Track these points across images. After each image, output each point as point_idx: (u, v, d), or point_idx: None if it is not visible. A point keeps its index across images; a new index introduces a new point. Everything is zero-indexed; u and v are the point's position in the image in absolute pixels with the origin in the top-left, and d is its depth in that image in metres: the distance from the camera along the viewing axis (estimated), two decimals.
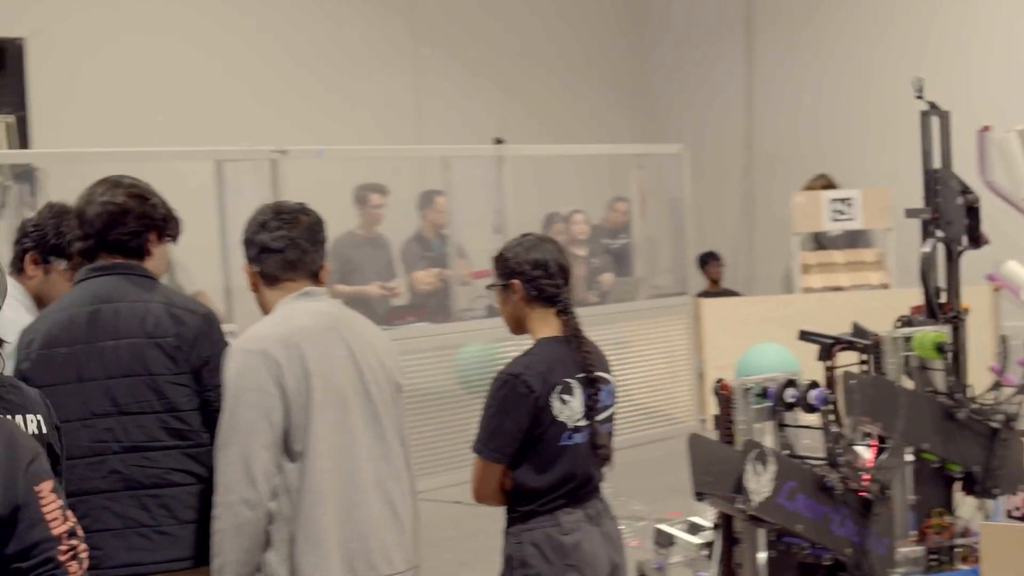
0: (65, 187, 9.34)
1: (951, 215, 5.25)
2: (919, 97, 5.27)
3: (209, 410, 3.90)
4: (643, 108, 13.83)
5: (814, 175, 12.15)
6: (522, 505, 4.08)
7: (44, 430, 3.06)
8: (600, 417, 4.15)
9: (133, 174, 4.11)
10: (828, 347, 4.70)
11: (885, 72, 12.20)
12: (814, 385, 4.27)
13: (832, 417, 4.24)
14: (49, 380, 3.84)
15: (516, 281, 4.14)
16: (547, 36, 13.10)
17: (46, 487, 2.61)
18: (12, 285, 4.23)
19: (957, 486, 4.99)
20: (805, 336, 4.85)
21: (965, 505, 5.04)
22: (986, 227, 5.23)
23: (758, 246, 13.39)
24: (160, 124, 9.78)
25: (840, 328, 4.96)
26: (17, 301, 4.34)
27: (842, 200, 11.27)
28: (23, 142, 9.56)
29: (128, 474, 3.86)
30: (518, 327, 4.22)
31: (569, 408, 4.08)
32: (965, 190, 5.25)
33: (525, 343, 4.22)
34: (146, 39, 10.28)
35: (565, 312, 4.16)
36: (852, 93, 12.61)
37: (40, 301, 4.45)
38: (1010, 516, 4.97)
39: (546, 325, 4.16)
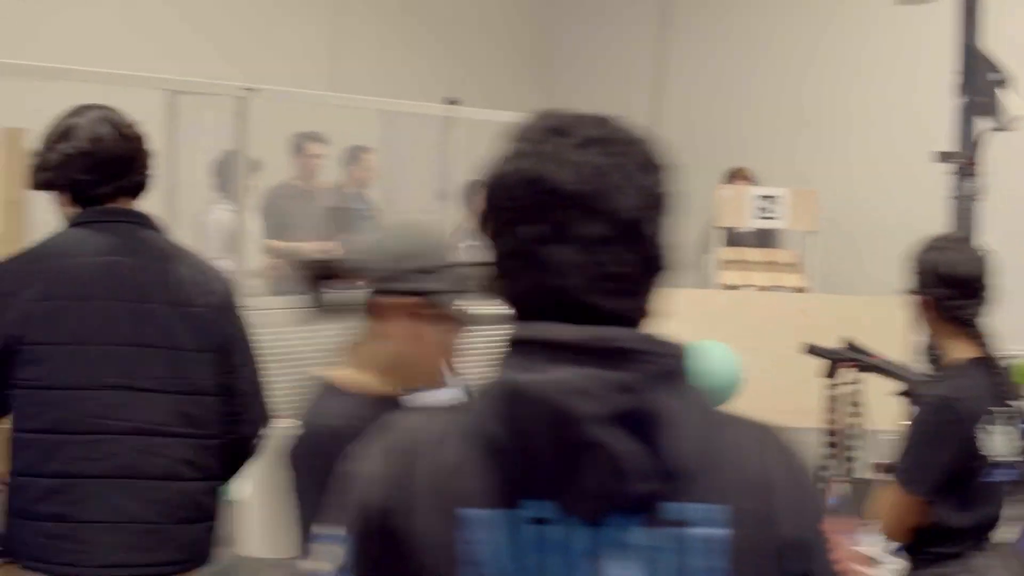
0: None
1: None
2: None
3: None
4: (543, 81, 13.17)
5: (731, 168, 11.71)
6: (935, 546, 3.74)
7: None
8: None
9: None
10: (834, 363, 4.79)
11: (811, 65, 11.84)
12: None
13: None
14: (42, 337, 3.31)
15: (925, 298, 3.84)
16: None
17: (827, 527, 1.78)
18: None
19: None
20: (814, 351, 4.94)
21: None
22: None
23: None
24: None
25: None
26: None
27: (768, 198, 10.92)
28: None
29: (129, 460, 3.35)
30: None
31: (991, 441, 3.72)
32: None
33: None
34: None
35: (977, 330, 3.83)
36: (775, 86, 12.18)
37: None
38: None
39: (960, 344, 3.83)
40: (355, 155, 9.57)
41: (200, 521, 3.46)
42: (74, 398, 3.32)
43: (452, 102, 8.86)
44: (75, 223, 3.44)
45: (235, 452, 3.56)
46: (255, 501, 4.48)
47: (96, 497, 3.32)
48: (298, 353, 7.23)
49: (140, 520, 3.35)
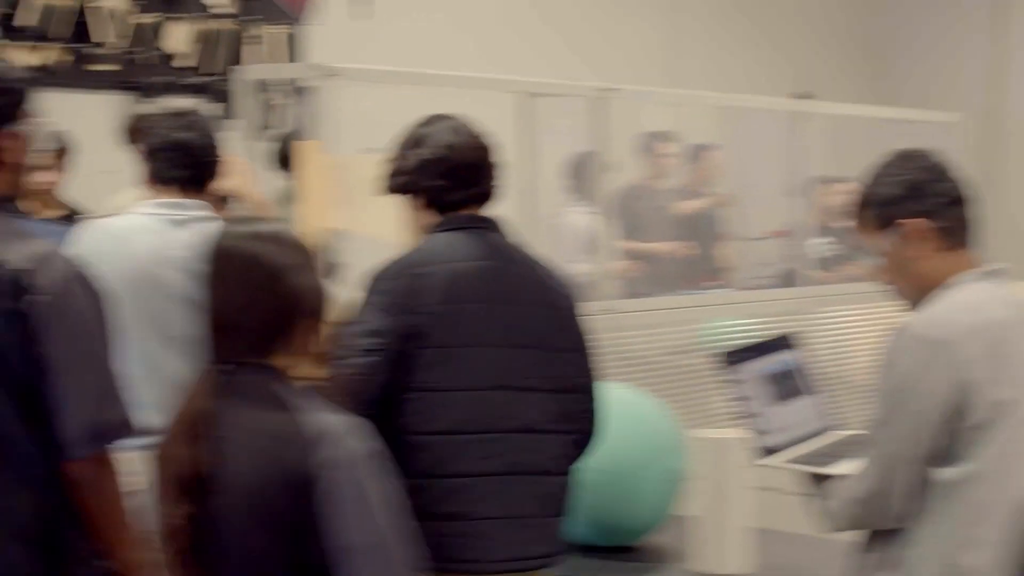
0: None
1: None
2: None
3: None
4: (875, 75, 12.78)
5: None
6: None
7: None
8: None
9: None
10: None
11: None
12: None
13: None
14: (439, 340, 3.41)
15: None
16: None
17: None
18: None
19: None
20: None
21: None
22: None
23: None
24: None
25: None
26: None
27: None
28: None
29: (517, 458, 3.48)
30: None
31: None
32: None
33: None
34: None
35: None
36: None
37: None
38: None
39: None
40: (697, 153, 9.43)
41: (561, 515, 3.57)
42: (471, 399, 3.43)
43: (804, 96, 8.69)
44: (441, 229, 3.54)
45: (583, 448, 3.65)
46: (708, 515, 4.41)
47: (492, 495, 3.44)
48: (646, 355, 7.12)
49: (527, 515, 3.48)
